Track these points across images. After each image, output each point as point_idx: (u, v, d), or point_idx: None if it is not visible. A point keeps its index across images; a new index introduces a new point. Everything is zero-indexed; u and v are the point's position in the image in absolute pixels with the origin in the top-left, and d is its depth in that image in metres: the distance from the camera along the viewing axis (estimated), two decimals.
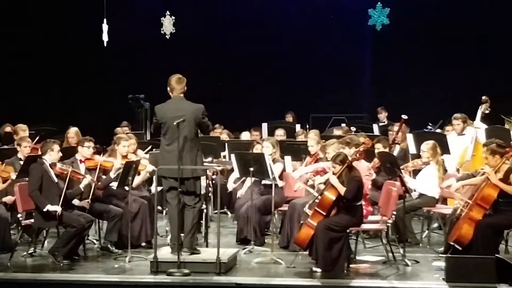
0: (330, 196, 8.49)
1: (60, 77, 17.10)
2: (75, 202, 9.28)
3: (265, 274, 8.57)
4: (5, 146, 11.47)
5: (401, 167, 9.86)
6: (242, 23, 17.10)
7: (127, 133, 11.95)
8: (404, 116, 11.48)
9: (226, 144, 12.13)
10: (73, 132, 11.57)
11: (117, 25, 16.03)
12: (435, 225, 10.70)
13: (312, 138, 10.47)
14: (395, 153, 11.19)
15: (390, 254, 8.87)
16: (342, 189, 8.43)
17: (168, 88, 8.70)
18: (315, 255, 8.47)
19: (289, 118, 15.47)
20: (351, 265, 8.69)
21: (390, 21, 16.06)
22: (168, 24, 16.67)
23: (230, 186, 10.98)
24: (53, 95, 16.91)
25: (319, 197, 8.62)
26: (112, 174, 9.60)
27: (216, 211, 9.81)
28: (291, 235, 9.45)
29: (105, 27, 16.12)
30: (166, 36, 16.73)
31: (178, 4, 17.00)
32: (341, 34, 16.84)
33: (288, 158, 10.71)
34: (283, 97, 16.70)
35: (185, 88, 8.68)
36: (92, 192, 9.39)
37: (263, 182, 9.95)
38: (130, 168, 9.34)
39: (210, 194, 10.48)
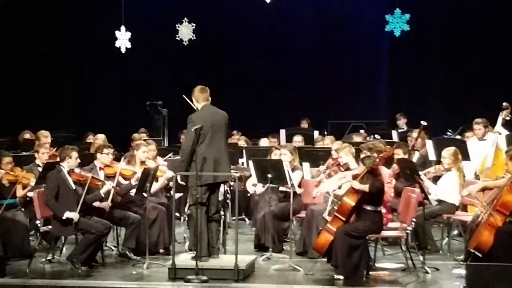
0: (350, 201, 8.42)
1: (77, 84, 17.16)
2: (96, 203, 9.27)
3: (283, 281, 8.54)
4: (24, 153, 11.47)
5: (423, 172, 9.79)
6: (259, 31, 17.11)
7: (145, 139, 11.94)
8: (423, 123, 11.41)
9: (244, 150, 12.10)
10: (101, 138, 11.59)
11: (135, 32, 16.11)
12: (455, 232, 10.62)
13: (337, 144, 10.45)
14: (414, 159, 11.12)
15: (410, 262, 8.80)
16: (365, 187, 8.34)
17: (193, 99, 8.77)
18: (334, 261, 8.42)
19: (304, 124, 15.43)
20: (370, 273, 8.62)
21: (411, 27, 15.97)
22: (185, 31, 16.67)
23: (251, 189, 10.84)
24: (70, 102, 16.97)
25: (339, 203, 8.56)
26: (133, 181, 9.58)
27: (234, 218, 9.79)
28: (309, 242, 9.40)
29: (123, 34, 16.19)
30: (184, 43, 16.73)
31: (197, 11, 17.01)
32: (358, 39, 16.80)
33: (306, 165, 10.65)
34: (302, 103, 16.66)
35: (209, 97, 8.76)
36: (111, 198, 9.39)
37: (281, 189, 9.90)
38: (148, 174, 9.32)
39: (228, 201, 10.44)
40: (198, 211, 8.56)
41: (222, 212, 9.48)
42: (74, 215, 8.81)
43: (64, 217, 8.80)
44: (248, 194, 11.27)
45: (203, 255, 8.51)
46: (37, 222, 9.19)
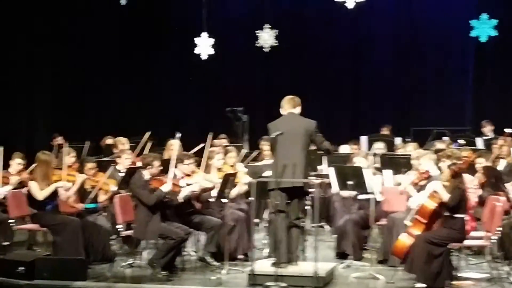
0: (431, 204, 8.26)
1: (160, 90, 17.39)
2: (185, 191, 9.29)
3: None
4: (106, 158, 11.65)
5: (510, 184, 9.49)
6: (341, 36, 16.98)
7: (225, 145, 11.96)
8: (508, 130, 11.11)
9: (324, 157, 11.97)
10: (177, 145, 11.67)
11: (217, 38, 16.25)
12: None
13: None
14: (501, 167, 10.81)
15: (495, 272, 8.56)
16: (445, 196, 8.17)
17: (281, 110, 8.83)
18: (408, 267, 8.26)
19: (386, 131, 15.22)
20: (453, 282, 8.42)
21: (498, 32, 15.59)
22: (267, 37, 16.68)
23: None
24: (151, 107, 17.22)
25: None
26: (213, 193, 9.60)
27: (313, 225, 9.72)
28: (389, 250, 9.23)
29: (205, 41, 16.34)
30: (264, 49, 16.74)
31: (278, 17, 17.00)
32: (442, 45, 16.51)
33: (388, 172, 10.47)
34: (384, 109, 16.47)
35: (297, 106, 8.79)
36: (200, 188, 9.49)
37: (360, 197, 9.75)
38: (228, 180, 9.33)
39: (307, 208, 10.34)
40: (277, 217, 8.54)
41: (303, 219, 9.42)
42: (166, 186, 8.97)
43: (164, 191, 8.94)
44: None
45: (282, 261, 8.46)
46: (118, 226, 9.31)
